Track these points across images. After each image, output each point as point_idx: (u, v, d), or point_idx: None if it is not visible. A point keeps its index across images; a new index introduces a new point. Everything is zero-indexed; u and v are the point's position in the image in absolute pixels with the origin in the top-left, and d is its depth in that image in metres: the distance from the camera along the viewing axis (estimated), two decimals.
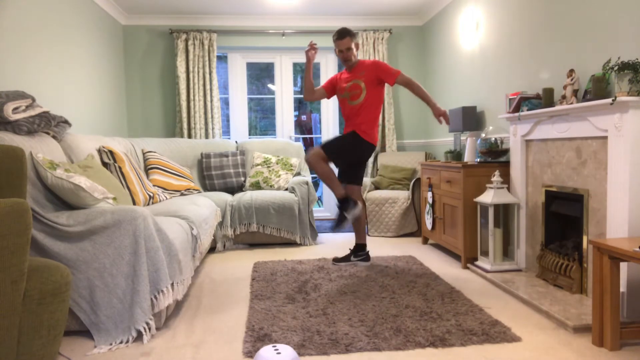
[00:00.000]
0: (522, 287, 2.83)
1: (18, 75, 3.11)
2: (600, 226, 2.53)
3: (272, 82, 5.84)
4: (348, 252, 3.39)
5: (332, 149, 3.34)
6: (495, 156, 3.51)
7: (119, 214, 2.27)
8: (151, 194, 3.55)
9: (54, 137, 2.76)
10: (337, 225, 3.28)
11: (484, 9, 4.01)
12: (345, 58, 3.40)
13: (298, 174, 4.92)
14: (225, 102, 5.72)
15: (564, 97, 2.75)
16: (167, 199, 3.85)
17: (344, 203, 3.28)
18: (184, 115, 5.22)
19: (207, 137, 5.30)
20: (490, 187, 3.26)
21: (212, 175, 4.71)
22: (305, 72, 3.50)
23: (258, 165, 4.84)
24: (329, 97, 3.63)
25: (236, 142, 5.24)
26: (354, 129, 3.39)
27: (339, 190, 3.31)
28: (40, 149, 2.44)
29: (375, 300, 2.71)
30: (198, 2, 4.87)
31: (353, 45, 3.38)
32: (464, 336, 2.17)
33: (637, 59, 2.34)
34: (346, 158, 3.43)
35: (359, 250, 3.54)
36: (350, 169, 3.53)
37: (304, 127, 6.42)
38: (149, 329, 2.23)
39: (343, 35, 3.36)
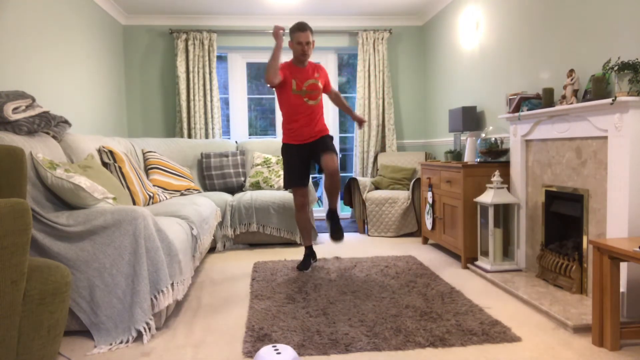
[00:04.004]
0: (522, 287, 2.83)
1: (18, 75, 3.11)
2: (600, 226, 2.53)
3: None
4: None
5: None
6: (495, 156, 3.51)
7: (119, 214, 2.27)
8: (151, 194, 3.55)
9: (54, 137, 2.76)
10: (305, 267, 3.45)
11: (484, 9, 4.01)
12: (304, 51, 3.28)
13: None
14: (225, 102, 5.72)
15: (564, 97, 2.75)
16: (167, 199, 3.85)
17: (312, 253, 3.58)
18: (184, 115, 5.22)
19: (207, 137, 5.30)
20: (490, 187, 3.26)
21: (212, 175, 4.71)
22: (276, 53, 3.18)
23: (258, 165, 4.84)
24: (277, 84, 3.30)
25: (236, 142, 5.24)
26: (326, 133, 3.44)
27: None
28: (40, 149, 2.44)
29: (375, 300, 2.71)
30: (198, 2, 4.87)
31: (312, 41, 3.30)
32: (464, 336, 2.17)
33: (637, 59, 2.34)
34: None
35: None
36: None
37: None
38: (149, 329, 2.23)
39: (305, 27, 3.26)
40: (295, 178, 3.43)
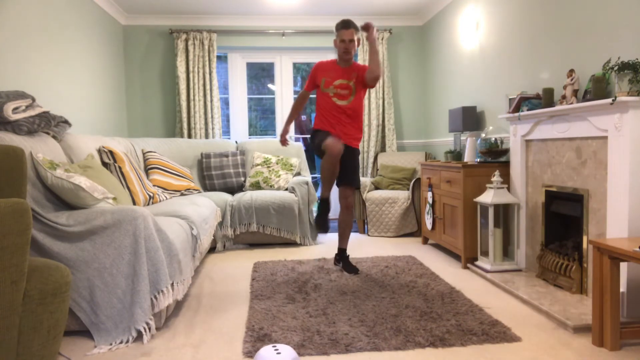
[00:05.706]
0: (522, 287, 2.83)
1: (18, 75, 3.11)
2: (600, 226, 2.53)
3: (272, 82, 5.84)
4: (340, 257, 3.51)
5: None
6: (495, 156, 3.51)
7: (119, 214, 2.27)
8: (151, 194, 3.55)
9: (54, 137, 2.76)
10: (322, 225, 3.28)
11: (484, 9, 4.01)
12: (347, 49, 3.21)
13: (298, 174, 4.92)
14: (225, 102, 5.72)
15: (564, 97, 2.75)
16: (167, 199, 3.85)
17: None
18: (184, 115, 5.22)
19: (207, 137, 5.30)
20: (490, 187, 3.26)
21: (212, 175, 4.71)
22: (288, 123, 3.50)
23: (258, 165, 4.84)
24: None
25: (236, 142, 5.24)
26: (356, 146, 3.37)
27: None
28: (40, 149, 2.44)
29: (375, 300, 2.71)
30: (198, 2, 4.87)
31: (356, 39, 3.23)
32: (464, 336, 2.17)
33: (637, 59, 2.34)
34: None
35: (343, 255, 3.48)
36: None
37: (304, 128, 6.42)
38: (149, 329, 2.23)
39: (349, 25, 3.19)
40: (328, 134, 3.21)
